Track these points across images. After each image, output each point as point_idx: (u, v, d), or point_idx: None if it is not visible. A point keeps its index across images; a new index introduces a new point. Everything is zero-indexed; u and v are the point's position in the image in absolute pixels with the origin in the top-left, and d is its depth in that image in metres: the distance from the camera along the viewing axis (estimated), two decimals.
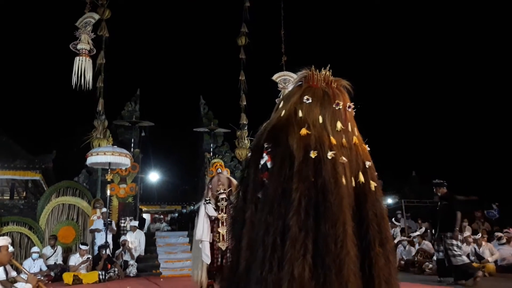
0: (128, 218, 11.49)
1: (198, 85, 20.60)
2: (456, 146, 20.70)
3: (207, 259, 5.19)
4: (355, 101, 2.64)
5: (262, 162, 2.37)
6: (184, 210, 17.92)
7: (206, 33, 22.38)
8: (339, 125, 2.44)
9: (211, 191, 5.64)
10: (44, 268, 9.10)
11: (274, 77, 13.02)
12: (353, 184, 2.32)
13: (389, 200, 17.02)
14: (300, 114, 2.44)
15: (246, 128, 13.76)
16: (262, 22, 14.79)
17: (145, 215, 18.68)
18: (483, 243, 9.12)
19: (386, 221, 2.37)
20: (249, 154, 2.59)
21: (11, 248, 7.91)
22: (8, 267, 6.15)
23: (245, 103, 13.86)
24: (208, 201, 5.50)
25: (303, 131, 2.34)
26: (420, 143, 21.80)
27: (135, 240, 10.74)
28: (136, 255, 10.38)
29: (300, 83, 2.67)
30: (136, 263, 10.10)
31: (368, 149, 2.56)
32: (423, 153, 21.66)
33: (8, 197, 15.99)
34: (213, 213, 5.41)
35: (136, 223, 11.38)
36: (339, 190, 2.19)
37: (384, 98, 21.51)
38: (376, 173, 2.48)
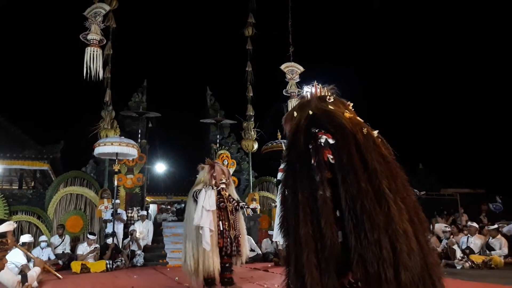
0: (135, 208, 11.60)
1: (205, 76, 20.65)
2: (463, 138, 20.58)
3: (207, 246, 5.07)
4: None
5: (322, 140, 2.50)
6: None
7: (213, 24, 22.33)
8: (358, 118, 2.72)
9: (214, 179, 5.59)
10: (52, 257, 9.22)
11: (282, 67, 13.00)
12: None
13: None
14: (331, 107, 2.70)
15: (252, 119, 13.73)
16: (269, 12, 14.70)
17: (151, 206, 18.81)
18: (498, 235, 9.06)
19: None
20: (288, 153, 2.71)
21: (31, 238, 8.11)
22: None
23: (251, 94, 13.81)
24: (208, 188, 5.43)
25: (347, 114, 2.63)
26: (427, 135, 21.71)
27: (144, 230, 10.86)
28: (143, 244, 10.49)
29: (304, 97, 2.96)
30: (143, 253, 10.20)
31: None
32: (430, 146, 21.57)
33: (17, 187, 16.18)
34: (213, 206, 5.29)
35: (145, 213, 11.50)
36: (395, 162, 2.55)
37: (391, 89, 21.40)
38: None
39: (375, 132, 2.61)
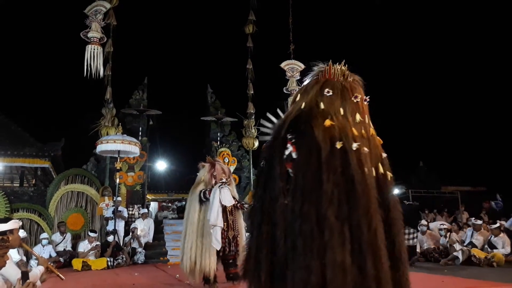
0: (136, 206, 11.61)
1: (206, 73, 20.67)
2: (464, 136, 20.56)
3: (217, 245, 5.08)
4: (366, 92, 2.70)
5: (286, 152, 2.42)
6: None
7: (214, 22, 22.32)
8: (358, 117, 2.51)
9: (215, 178, 5.53)
10: (54, 254, 9.24)
11: (282, 65, 13.00)
12: (374, 174, 2.40)
13: (396, 190, 16.96)
14: (322, 106, 2.51)
15: (253, 117, 13.73)
16: (270, 10, 14.69)
17: (152, 203, 18.82)
18: (501, 234, 9.05)
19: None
20: (268, 146, 2.63)
21: (24, 234, 8.09)
22: (21, 251, 6.22)
23: (252, 92, 13.81)
24: (222, 186, 5.41)
25: (327, 122, 2.40)
26: (428, 133, 21.71)
27: (145, 227, 10.88)
28: (144, 242, 10.51)
29: (316, 77, 2.72)
30: (144, 251, 10.22)
31: (381, 141, 2.63)
32: (431, 144, 21.57)
33: (18, 184, 16.19)
34: (232, 201, 5.34)
35: (146, 210, 11.50)
36: (366, 181, 2.30)
37: (391, 87, 21.37)
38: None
39: (355, 145, 2.36)
